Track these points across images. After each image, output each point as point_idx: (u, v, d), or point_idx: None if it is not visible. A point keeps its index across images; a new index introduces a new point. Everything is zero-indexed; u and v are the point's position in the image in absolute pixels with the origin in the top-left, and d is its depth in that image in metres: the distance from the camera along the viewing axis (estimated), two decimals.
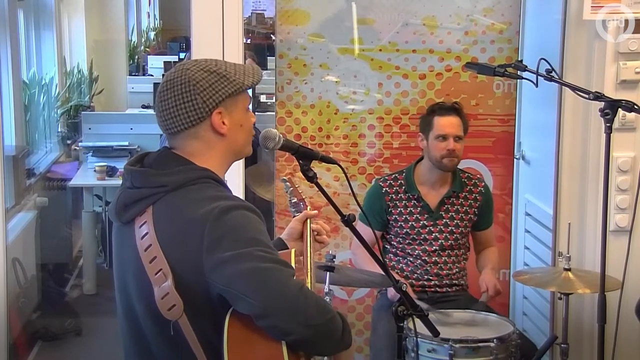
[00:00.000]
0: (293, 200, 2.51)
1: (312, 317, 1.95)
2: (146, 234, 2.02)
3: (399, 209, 3.67)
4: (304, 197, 2.52)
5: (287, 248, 2.36)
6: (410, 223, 3.66)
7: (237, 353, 1.94)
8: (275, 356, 1.95)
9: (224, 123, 2.09)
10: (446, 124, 3.59)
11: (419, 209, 3.66)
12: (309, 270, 2.28)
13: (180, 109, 2.06)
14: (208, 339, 2.00)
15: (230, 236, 1.96)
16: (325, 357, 2.16)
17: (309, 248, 2.35)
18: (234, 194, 2.15)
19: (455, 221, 3.67)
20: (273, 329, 1.94)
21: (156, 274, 1.99)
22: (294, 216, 2.48)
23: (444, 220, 3.66)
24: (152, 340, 2.06)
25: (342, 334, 2.02)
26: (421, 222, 3.65)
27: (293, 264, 2.13)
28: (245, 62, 3.84)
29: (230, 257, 1.94)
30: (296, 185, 2.56)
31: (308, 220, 2.42)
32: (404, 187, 3.68)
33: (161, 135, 6.29)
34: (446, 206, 3.68)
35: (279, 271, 1.96)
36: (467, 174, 3.77)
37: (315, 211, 2.47)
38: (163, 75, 8.06)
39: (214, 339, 1.99)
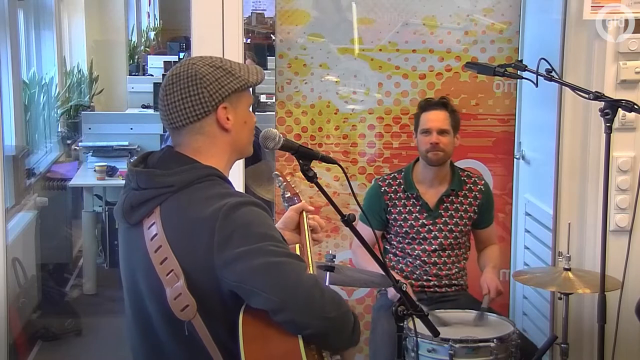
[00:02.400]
0: (287, 195, 2.50)
1: (328, 310, 1.97)
2: (155, 235, 2.02)
3: (398, 208, 3.67)
4: (297, 191, 2.52)
5: (282, 237, 2.36)
6: (409, 222, 3.66)
7: (253, 349, 1.94)
8: (292, 351, 1.95)
9: (228, 119, 2.09)
10: (430, 118, 3.61)
11: (418, 207, 3.66)
12: (310, 264, 2.28)
13: (186, 102, 2.06)
14: (222, 338, 2.00)
15: (240, 232, 1.96)
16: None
17: (307, 241, 2.35)
18: (238, 190, 2.15)
19: (455, 220, 3.67)
20: (290, 323, 1.95)
21: (167, 274, 1.99)
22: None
23: (443, 218, 3.66)
24: (165, 340, 2.06)
25: (353, 329, 2.04)
26: (420, 221, 3.65)
27: None
28: (245, 62, 3.84)
29: (242, 253, 1.94)
30: (288, 180, 2.56)
31: (304, 213, 2.42)
32: (402, 186, 3.68)
33: (161, 135, 6.31)
34: (445, 205, 3.68)
35: (293, 265, 1.97)
36: (466, 172, 3.77)
37: (312, 208, 2.47)
38: (163, 75, 8.10)
39: (228, 337, 1.99)
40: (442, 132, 3.59)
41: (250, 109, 2.19)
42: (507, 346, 3.15)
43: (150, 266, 2.02)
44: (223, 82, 2.07)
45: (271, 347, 1.96)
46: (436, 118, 3.61)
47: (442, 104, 3.65)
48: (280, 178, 2.54)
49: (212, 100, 2.06)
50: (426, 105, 3.67)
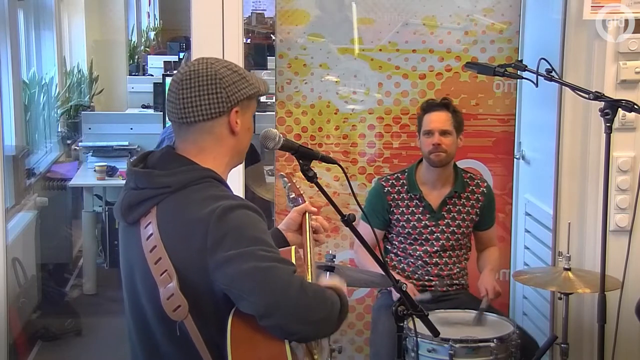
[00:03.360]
0: (291, 196, 2.51)
1: (314, 314, 1.97)
2: (151, 234, 2.03)
3: (400, 209, 3.67)
4: (302, 192, 2.52)
5: (285, 238, 2.36)
6: (412, 223, 3.66)
7: (240, 353, 1.95)
8: (279, 356, 1.95)
9: (237, 122, 2.10)
10: (432, 119, 3.61)
11: (420, 208, 3.66)
12: (309, 265, 2.28)
13: (204, 99, 2.06)
14: (213, 340, 2.01)
15: (232, 235, 1.96)
16: None
17: (308, 242, 2.35)
18: (234, 194, 2.15)
19: (457, 221, 3.67)
20: (276, 328, 1.95)
21: (161, 274, 2.00)
22: None
23: (446, 220, 3.66)
24: (160, 338, 2.07)
25: (339, 313, 2.05)
26: (423, 222, 3.65)
27: (294, 261, 2.13)
28: (244, 63, 3.84)
29: (232, 256, 1.94)
30: (294, 181, 2.56)
31: (307, 214, 2.42)
32: (405, 187, 3.68)
33: (159, 135, 6.30)
34: (448, 206, 3.67)
35: (280, 270, 1.96)
36: (469, 174, 3.77)
37: (315, 209, 2.47)
38: (163, 75, 8.06)
39: (219, 339, 1.99)
40: (444, 133, 3.59)
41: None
42: (507, 346, 3.15)
43: (146, 265, 2.03)
44: (240, 86, 2.09)
45: (258, 351, 1.97)
46: (438, 119, 3.60)
47: (444, 104, 3.65)
48: (285, 179, 2.55)
49: (228, 102, 2.07)
50: (428, 106, 3.67)
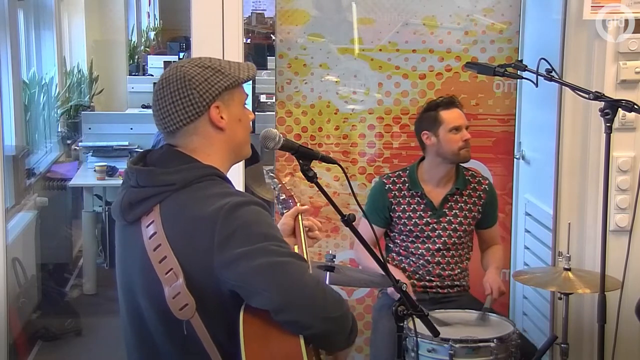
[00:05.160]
0: (281, 197, 2.49)
1: (330, 311, 1.97)
2: (154, 233, 2.01)
3: (402, 206, 3.67)
4: (292, 193, 2.51)
5: None
6: (413, 220, 3.65)
7: (254, 348, 1.93)
8: (293, 350, 1.94)
9: (222, 117, 2.08)
10: (455, 115, 3.61)
11: (422, 206, 3.66)
12: None
13: (178, 105, 2.05)
14: (220, 337, 2.00)
15: (242, 232, 1.95)
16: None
17: (303, 244, 2.35)
18: (238, 190, 2.14)
19: (459, 219, 3.67)
20: (292, 323, 1.94)
21: (166, 273, 1.98)
22: (282, 214, 2.47)
23: (448, 217, 3.66)
24: (159, 339, 2.05)
25: (351, 330, 2.04)
26: (424, 220, 3.65)
27: None
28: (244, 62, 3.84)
29: (244, 253, 1.93)
30: (283, 182, 2.54)
31: (299, 216, 2.42)
32: (407, 185, 3.68)
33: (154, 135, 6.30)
34: (450, 203, 3.67)
35: (295, 265, 1.96)
36: (470, 172, 3.77)
37: (306, 206, 2.46)
38: None
39: (226, 337, 1.98)
40: (467, 128, 3.61)
41: (246, 106, 2.18)
42: (507, 346, 3.15)
43: (148, 265, 2.01)
44: (212, 81, 2.06)
45: (272, 346, 1.95)
46: (460, 115, 3.62)
47: (457, 102, 3.66)
48: (275, 180, 2.53)
49: (202, 101, 2.05)
50: (445, 104, 3.65)
